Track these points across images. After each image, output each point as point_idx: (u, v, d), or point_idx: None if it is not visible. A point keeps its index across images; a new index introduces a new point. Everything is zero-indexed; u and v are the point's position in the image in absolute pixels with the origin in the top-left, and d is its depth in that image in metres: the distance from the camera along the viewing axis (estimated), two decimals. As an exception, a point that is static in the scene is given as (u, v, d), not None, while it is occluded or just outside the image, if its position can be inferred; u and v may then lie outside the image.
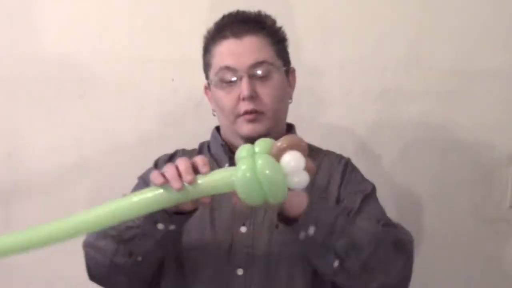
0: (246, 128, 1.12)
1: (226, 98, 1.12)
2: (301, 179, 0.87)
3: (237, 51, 1.11)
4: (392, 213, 1.26)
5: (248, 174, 0.85)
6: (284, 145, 0.87)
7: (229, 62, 1.11)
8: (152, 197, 0.90)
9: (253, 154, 0.88)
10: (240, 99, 1.11)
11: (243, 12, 1.16)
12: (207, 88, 1.21)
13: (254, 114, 1.11)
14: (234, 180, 0.87)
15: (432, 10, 1.55)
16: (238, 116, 1.12)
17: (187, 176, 0.89)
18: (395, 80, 1.56)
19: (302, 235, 0.96)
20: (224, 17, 1.17)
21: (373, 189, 1.16)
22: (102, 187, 1.51)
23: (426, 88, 1.56)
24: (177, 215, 0.97)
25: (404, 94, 1.56)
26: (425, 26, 1.55)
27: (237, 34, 1.12)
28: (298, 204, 0.96)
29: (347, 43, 1.54)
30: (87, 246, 1.08)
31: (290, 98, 1.20)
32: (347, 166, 1.18)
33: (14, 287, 1.56)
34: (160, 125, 1.54)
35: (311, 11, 1.53)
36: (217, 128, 1.23)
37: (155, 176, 0.90)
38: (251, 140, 1.04)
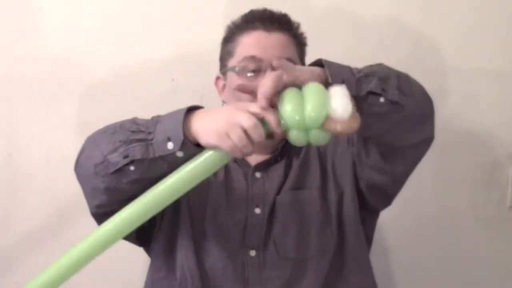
0: None
1: None
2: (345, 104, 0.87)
3: (265, 43, 1.13)
4: (391, 213, 1.27)
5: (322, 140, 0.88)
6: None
7: (255, 52, 1.12)
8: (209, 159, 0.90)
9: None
10: None
11: (271, 10, 1.18)
12: (219, 79, 1.21)
13: None
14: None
15: (432, 10, 1.55)
16: None
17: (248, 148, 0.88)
18: (395, 80, 1.56)
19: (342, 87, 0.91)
20: (252, 11, 1.18)
21: None
22: (102, 187, 1.51)
23: (426, 88, 1.55)
24: (193, 145, 0.92)
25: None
26: (425, 26, 1.55)
27: (267, 27, 1.14)
28: (318, 78, 0.92)
29: (347, 43, 1.55)
30: (89, 139, 1.05)
31: None
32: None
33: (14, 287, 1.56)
34: (160, 125, 1.54)
35: (311, 11, 1.53)
36: None
37: (223, 138, 0.87)
38: None
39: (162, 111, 1.57)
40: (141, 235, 1.18)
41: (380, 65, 1.01)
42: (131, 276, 1.43)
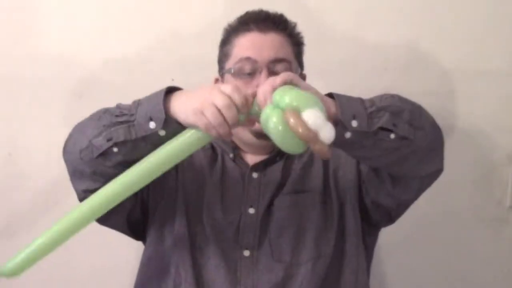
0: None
1: (244, 88, 1.12)
2: (327, 131, 0.84)
3: (260, 44, 1.13)
4: (392, 213, 1.26)
5: (280, 127, 0.84)
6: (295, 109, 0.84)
7: (250, 53, 1.12)
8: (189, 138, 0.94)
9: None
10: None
11: (267, 11, 1.18)
12: (218, 81, 1.21)
13: None
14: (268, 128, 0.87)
15: (432, 10, 1.55)
16: None
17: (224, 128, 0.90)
18: (395, 80, 1.56)
19: (347, 134, 0.93)
20: (248, 12, 1.19)
21: None
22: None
23: (426, 88, 1.56)
24: (175, 123, 0.95)
25: (404, 94, 1.56)
26: (425, 26, 1.55)
27: (261, 29, 1.14)
28: (327, 106, 0.92)
29: (347, 43, 1.55)
30: (76, 126, 1.08)
31: None
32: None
33: (14, 287, 1.56)
34: (160, 125, 1.54)
35: (310, 11, 1.53)
36: None
37: (198, 116, 0.90)
38: (260, 134, 1.08)
39: (162, 111, 1.57)
40: (134, 228, 1.19)
41: (393, 97, 1.01)
42: (130, 273, 1.43)
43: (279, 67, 1.12)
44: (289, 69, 1.13)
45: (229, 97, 0.90)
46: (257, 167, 1.17)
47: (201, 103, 0.90)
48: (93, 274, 1.55)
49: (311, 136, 0.82)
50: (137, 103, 0.99)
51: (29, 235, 1.54)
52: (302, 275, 1.11)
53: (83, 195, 1.08)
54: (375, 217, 1.18)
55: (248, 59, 1.12)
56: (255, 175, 1.17)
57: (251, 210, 1.14)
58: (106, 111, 1.02)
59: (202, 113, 0.90)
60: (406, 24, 1.55)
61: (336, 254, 1.14)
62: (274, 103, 0.87)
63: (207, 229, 1.13)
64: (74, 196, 1.53)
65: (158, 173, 0.97)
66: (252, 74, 1.12)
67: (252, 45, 1.13)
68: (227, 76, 1.16)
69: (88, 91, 1.53)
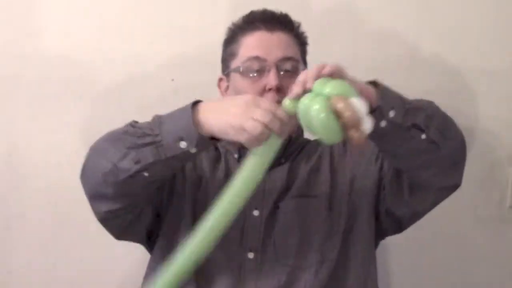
0: None
1: (250, 88, 1.12)
2: (368, 121, 0.85)
3: (268, 43, 1.13)
4: (392, 213, 1.26)
5: (323, 115, 0.84)
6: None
7: (259, 52, 1.12)
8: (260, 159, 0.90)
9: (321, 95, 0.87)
10: (265, 90, 1.11)
11: (272, 11, 1.18)
12: (222, 80, 1.21)
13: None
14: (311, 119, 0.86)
15: (432, 10, 1.55)
16: None
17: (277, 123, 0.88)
18: (395, 80, 1.56)
19: (383, 123, 0.94)
20: (253, 12, 1.19)
21: None
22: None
23: (426, 88, 1.56)
24: (207, 139, 0.94)
25: (404, 94, 1.56)
26: (425, 26, 1.55)
27: (268, 28, 1.14)
28: (368, 95, 0.93)
29: (347, 43, 1.54)
30: (92, 148, 1.07)
31: None
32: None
33: (14, 287, 1.56)
34: (160, 125, 1.53)
35: (310, 10, 1.53)
36: None
37: (240, 132, 0.88)
38: None
39: (162, 111, 1.57)
40: (150, 237, 1.19)
41: (430, 103, 1.04)
42: (130, 274, 1.43)
43: (287, 65, 1.12)
44: (297, 67, 1.13)
45: (270, 111, 0.88)
46: None
47: (240, 119, 0.89)
48: (98, 277, 1.54)
49: (356, 122, 0.83)
50: (159, 121, 0.98)
51: (29, 235, 1.55)
52: (305, 280, 1.10)
53: (105, 216, 1.08)
54: (385, 225, 1.19)
55: (256, 58, 1.12)
56: None
57: (256, 212, 1.13)
58: (124, 132, 1.01)
59: (243, 129, 0.88)
60: (406, 24, 1.55)
61: (341, 260, 1.13)
62: (313, 92, 0.87)
63: None
64: (74, 196, 1.53)
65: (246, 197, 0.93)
66: (260, 72, 1.12)
67: (260, 44, 1.13)
68: (234, 75, 1.15)
69: (88, 91, 1.53)
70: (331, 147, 1.22)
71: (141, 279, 1.20)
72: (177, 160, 0.97)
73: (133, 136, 0.98)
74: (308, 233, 1.13)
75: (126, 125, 1.03)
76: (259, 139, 0.88)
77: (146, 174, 0.98)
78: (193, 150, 0.94)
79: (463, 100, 1.56)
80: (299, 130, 1.21)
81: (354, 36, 1.55)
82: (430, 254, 1.58)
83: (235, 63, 1.16)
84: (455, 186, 1.11)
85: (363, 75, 1.54)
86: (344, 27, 1.55)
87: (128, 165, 0.97)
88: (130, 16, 1.53)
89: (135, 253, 1.25)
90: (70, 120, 1.53)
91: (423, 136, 0.97)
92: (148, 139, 0.96)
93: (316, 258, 1.11)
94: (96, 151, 1.06)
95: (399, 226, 1.20)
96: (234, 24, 1.20)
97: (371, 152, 1.17)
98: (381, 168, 1.16)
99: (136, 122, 1.03)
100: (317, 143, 1.22)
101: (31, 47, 1.52)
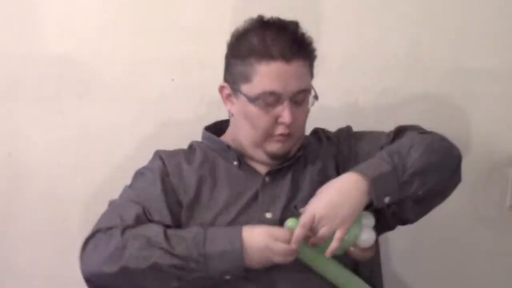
0: (275, 146, 1.16)
1: (264, 117, 1.13)
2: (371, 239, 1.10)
3: (285, 76, 1.11)
4: (392, 213, 1.25)
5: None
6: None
7: (275, 87, 1.11)
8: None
9: None
10: (277, 121, 1.13)
11: (287, 28, 1.13)
12: (225, 88, 1.18)
13: (287, 136, 1.15)
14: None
15: (432, 10, 1.55)
16: (271, 135, 1.14)
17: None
18: (395, 80, 1.56)
19: (384, 207, 1.09)
20: (264, 24, 1.14)
21: (351, 127, 1.28)
22: (102, 187, 1.51)
23: (426, 88, 1.56)
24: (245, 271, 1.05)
25: (404, 94, 1.56)
26: (425, 26, 1.55)
27: (286, 57, 1.10)
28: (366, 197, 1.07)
29: (347, 43, 1.54)
30: (126, 237, 1.07)
31: None
32: (317, 134, 1.28)
33: (14, 287, 1.56)
34: (160, 125, 1.53)
35: (310, 10, 1.53)
36: (207, 129, 1.25)
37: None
38: (275, 157, 1.16)
39: (162, 111, 1.58)
40: None
41: (417, 140, 1.13)
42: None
43: (300, 97, 1.14)
44: (307, 96, 1.16)
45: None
46: (270, 172, 1.18)
47: (266, 258, 1.06)
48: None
49: (354, 243, 1.08)
50: (203, 256, 1.04)
51: (29, 235, 1.55)
52: (319, 278, 1.11)
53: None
54: (392, 223, 1.22)
55: (273, 93, 1.11)
56: (267, 179, 1.17)
57: (268, 215, 1.14)
58: (171, 266, 1.04)
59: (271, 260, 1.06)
60: (406, 24, 1.55)
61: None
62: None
63: None
64: (74, 196, 1.54)
65: None
66: (274, 103, 1.12)
67: (277, 78, 1.10)
68: (245, 100, 1.14)
69: (88, 91, 1.53)
70: (332, 149, 1.24)
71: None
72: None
73: (181, 271, 1.04)
74: None
75: (166, 253, 1.05)
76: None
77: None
78: (228, 277, 1.06)
79: (463, 100, 1.56)
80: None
81: (354, 36, 1.55)
82: (430, 254, 1.58)
83: (248, 90, 1.13)
84: (457, 185, 1.20)
85: (363, 75, 1.56)
86: (344, 27, 1.55)
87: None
88: (130, 16, 1.53)
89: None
90: (70, 120, 1.53)
91: (420, 193, 1.10)
92: (196, 275, 1.04)
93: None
94: (123, 273, 1.05)
95: (406, 223, 1.24)
96: (244, 37, 1.14)
97: (385, 135, 1.21)
98: None
99: (169, 241, 1.06)
100: (310, 142, 1.25)
101: (31, 47, 1.52)
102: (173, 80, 1.53)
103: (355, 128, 1.29)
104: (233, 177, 1.18)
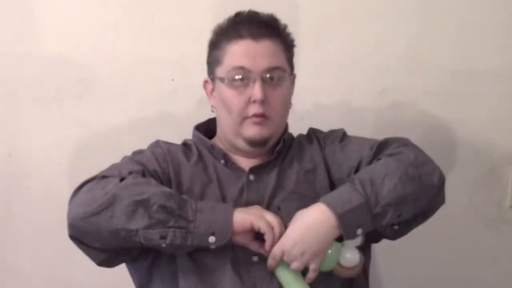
0: (251, 130, 1.14)
1: (236, 98, 1.13)
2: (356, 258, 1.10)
3: (254, 53, 1.12)
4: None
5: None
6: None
7: (244, 62, 1.11)
8: None
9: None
10: (250, 101, 1.12)
11: (258, 14, 1.16)
12: (208, 82, 1.21)
13: (262, 118, 1.13)
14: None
15: (432, 10, 1.55)
16: (246, 118, 1.13)
17: None
18: (395, 80, 1.56)
19: (357, 238, 1.07)
20: (238, 15, 1.17)
21: (343, 131, 1.25)
22: (102, 187, 1.51)
23: (426, 88, 1.56)
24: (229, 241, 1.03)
25: (404, 94, 1.56)
26: (425, 26, 1.55)
27: (254, 36, 1.12)
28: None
29: (347, 43, 1.55)
30: (113, 194, 1.04)
31: (291, 103, 1.21)
32: (310, 134, 1.26)
33: (14, 287, 1.57)
34: (160, 125, 1.54)
35: (310, 10, 1.53)
36: (197, 127, 1.25)
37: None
38: (253, 142, 1.13)
39: (162, 111, 1.58)
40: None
41: (392, 166, 1.09)
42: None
43: (273, 75, 1.12)
44: (283, 76, 1.14)
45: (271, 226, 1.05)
46: (253, 170, 1.17)
47: (254, 215, 1.06)
48: (98, 277, 1.53)
49: (353, 273, 1.10)
50: (195, 208, 1.03)
51: (29, 235, 1.55)
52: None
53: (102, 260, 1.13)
54: (375, 238, 1.20)
55: (241, 68, 1.11)
56: (251, 177, 1.16)
57: None
58: (162, 206, 1.01)
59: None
60: (406, 24, 1.55)
61: None
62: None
63: None
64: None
65: None
66: (245, 83, 1.12)
67: (246, 54, 1.12)
68: (219, 84, 1.15)
69: (88, 91, 1.53)
70: (320, 151, 1.23)
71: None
72: (194, 247, 1.03)
73: (168, 213, 1.01)
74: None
75: (163, 195, 1.03)
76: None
77: (163, 246, 1.02)
78: (213, 246, 1.03)
79: (462, 100, 1.56)
80: (286, 129, 1.22)
81: (354, 36, 1.55)
82: (430, 253, 1.58)
83: (220, 71, 1.15)
84: (440, 206, 1.19)
85: (363, 75, 1.56)
86: (344, 27, 1.55)
87: (153, 236, 1.01)
88: (130, 16, 1.53)
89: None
90: (70, 120, 1.53)
91: (396, 227, 1.11)
92: (181, 223, 1.01)
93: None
94: (113, 198, 1.03)
95: (374, 239, 1.21)
96: (219, 27, 1.18)
97: (369, 147, 1.17)
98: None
99: (171, 193, 1.05)
100: (301, 142, 1.24)
101: (31, 47, 1.52)
102: (173, 80, 1.53)
103: (355, 128, 1.28)
104: (221, 175, 1.17)
